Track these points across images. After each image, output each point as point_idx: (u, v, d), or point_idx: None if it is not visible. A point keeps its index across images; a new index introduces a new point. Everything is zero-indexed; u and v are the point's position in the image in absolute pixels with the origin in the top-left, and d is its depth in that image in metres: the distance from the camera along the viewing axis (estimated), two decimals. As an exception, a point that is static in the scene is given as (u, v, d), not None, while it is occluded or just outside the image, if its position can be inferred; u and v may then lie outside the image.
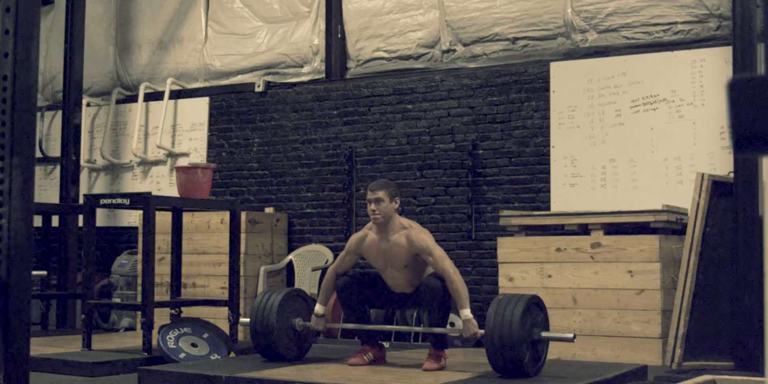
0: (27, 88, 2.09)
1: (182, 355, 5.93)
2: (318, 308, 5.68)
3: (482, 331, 5.12)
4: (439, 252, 5.34)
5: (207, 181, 6.70)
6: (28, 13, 2.08)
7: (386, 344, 6.92)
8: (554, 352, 6.40)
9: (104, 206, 6.51)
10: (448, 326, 7.12)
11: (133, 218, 9.09)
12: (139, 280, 8.04)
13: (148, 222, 6.10)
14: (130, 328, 8.33)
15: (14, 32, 2.05)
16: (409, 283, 5.54)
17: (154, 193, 6.36)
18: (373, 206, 5.41)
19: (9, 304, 2.06)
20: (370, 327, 5.66)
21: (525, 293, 5.33)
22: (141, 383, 5.24)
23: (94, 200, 6.43)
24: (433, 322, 5.38)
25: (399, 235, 5.42)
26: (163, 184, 9.17)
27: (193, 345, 6.12)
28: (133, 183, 9.38)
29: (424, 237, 5.39)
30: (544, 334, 5.10)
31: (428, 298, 5.31)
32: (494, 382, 4.91)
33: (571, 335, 5.14)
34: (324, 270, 8.06)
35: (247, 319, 5.78)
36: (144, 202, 6.11)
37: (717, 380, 3.14)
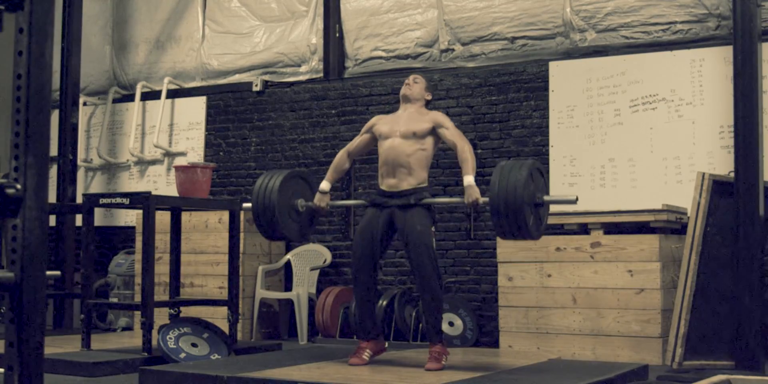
0: (41, 87, 2.07)
1: (182, 355, 5.91)
2: (323, 184, 5.72)
3: (484, 199, 5.18)
4: (455, 128, 5.56)
5: (206, 180, 6.69)
6: (43, 11, 2.07)
7: (385, 344, 6.92)
8: (554, 351, 6.41)
9: (104, 206, 6.48)
10: (447, 325, 7.13)
11: (129, 218, 9.06)
12: (137, 280, 8.04)
13: (148, 222, 6.08)
14: (128, 328, 8.31)
15: (28, 30, 2.04)
16: (407, 166, 5.47)
17: (151, 192, 6.33)
18: (410, 82, 5.74)
19: (23, 304, 2.04)
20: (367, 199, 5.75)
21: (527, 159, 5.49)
22: (142, 383, 5.22)
23: (93, 200, 6.40)
24: (427, 315, 5.39)
25: (420, 111, 5.67)
26: (160, 183, 9.15)
27: (193, 345, 6.11)
28: (130, 182, 9.36)
29: (445, 116, 5.65)
30: (546, 197, 5.19)
31: (417, 280, 5.38)
32: (496, 381, 4.90)
33: (573, 197, 5.20)
34: (322, 270, 8.06)
35: (249, 204, 5.75)
36: (144, 201, 6.09)
37: (732, 380, 3.13)
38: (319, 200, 5.70)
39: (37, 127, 2.04)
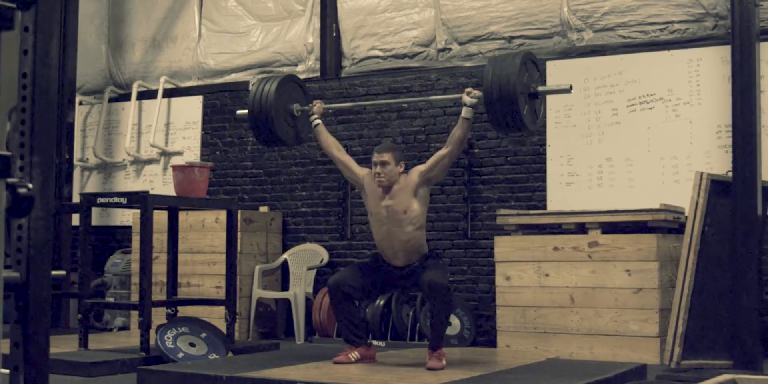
0: (47, 86, 2.06)
1: (180, 355, 5.90)
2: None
3: (478, 92, 5.19)
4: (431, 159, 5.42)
5: (204, 179, 6.68)
6: (48, 9, 2.06)
7: (382, 344, 6.92)
8: (552, 351, 6.41)
9: (101, 205, 6.47)
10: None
11: (126, 217, 9.04)
12: (133, 280, 8.02)
13: (146, 221, 6.06)
14: (124, 328, 8.29)
15: (34, 29, 2.03)
16: (406, 250, 5.41)
17: (149, 191, 6.31)
18: (378, 169, 5.37)
19: (28, 304, 2.04)
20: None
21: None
22: (140, 383, 5.21)
23: (90, 199, 6.39)
24: (436, 325, 5.30)
25: (400, 185, 5.42)
26: (156, 182, 9.13)
27: (191, 344, 6.09)
28: (126, 182, 9.34)
29: (417, 166, 5.49)
30: (541, 87, 5.17)
31: (434, 299, 5.19)
32: (495, 381, 4.90)
33: (567, 86, 5.18)
34: (319, 270, 8.05)
35: (244, 111, 5.80)
36: (142, 201, 6.07)
37: (737, 380, 3.13)
38: (318, 103, 5.79)
39: (43, 127, 2.03)
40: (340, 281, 5.39)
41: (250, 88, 8.68)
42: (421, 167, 5.42)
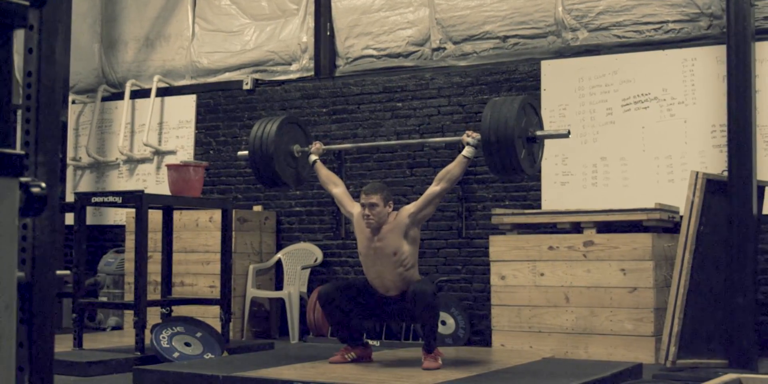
0: (52, 85, 2.05)
1: (176, 355, 5.88)
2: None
3: (477, 135, 5.18)
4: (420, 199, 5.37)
5: (199, 179, 6.66)
6: (53, 8, 2.05)
7: (377, 343, 6.91)
8: (547, 350, 6.42)
9: (96, 204, 6.45)
10: (439, 324, 7.12)
11: (119, 216, 9.02)
12: (127, 279, 8.00)
13: (141, 220, 6.04)
14: (117, 327, 8.26)
15: (38, 28, 2.02)
16: (397, 286, 5.37)
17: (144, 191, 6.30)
18: (366, 211, 5.28)
19: (33, 304, 2.02)
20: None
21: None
22: (136, 383, 5.19)
23: (85, 198, 6.36)
24: (427, 329, 5.26)
25: (389, 225, 5.33)
26: (149, 181, 9.10)
27: (187, 344, 6.08)
28: (119, 181, 9.31)
29: (406, 206, 5.42)
30: (539, 132, 5.22)
31: (418, 305, 5.13)
32: (491, 380, 4.90)
33: (566, 131, 5.23)
34: (313, 269, 8.04)
35: (245, 152, 5.88)
36: (137, 200, 6.05)
37: (742, 379, 3.14)
38: (317, 143, 5.87)
39: (48, 126, 2.02)
40: (333, 294, 5.37)
41: (244, 86, 8.71)
42: (411, 208, 5.34)
